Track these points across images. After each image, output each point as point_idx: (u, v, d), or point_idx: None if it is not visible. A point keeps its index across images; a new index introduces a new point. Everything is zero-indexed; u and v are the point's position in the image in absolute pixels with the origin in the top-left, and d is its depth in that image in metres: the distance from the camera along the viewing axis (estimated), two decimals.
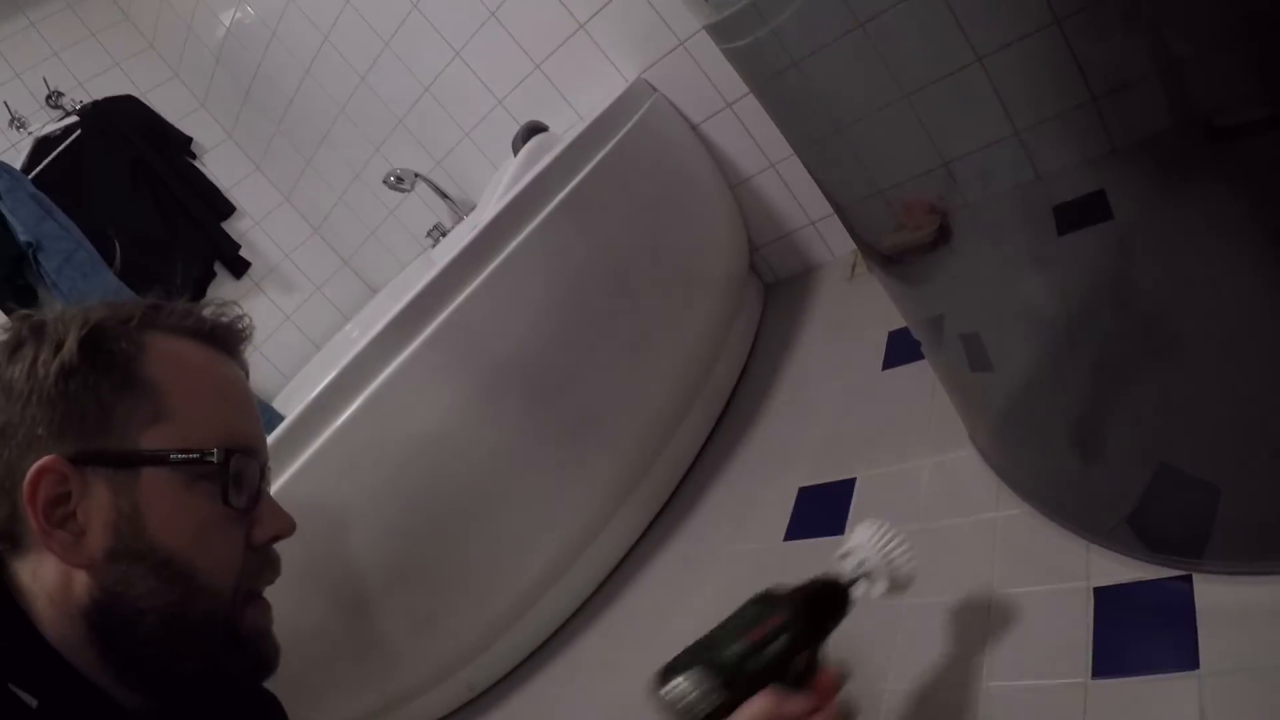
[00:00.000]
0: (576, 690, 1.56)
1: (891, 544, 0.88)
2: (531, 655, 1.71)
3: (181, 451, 0.72)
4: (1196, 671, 0.85)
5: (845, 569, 0.89)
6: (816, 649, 0.83)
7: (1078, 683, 0.92)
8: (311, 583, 1.54)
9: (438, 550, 1.59)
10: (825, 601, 0.86)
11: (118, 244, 3.04)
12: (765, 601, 0.83)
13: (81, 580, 0.68)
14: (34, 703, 0.61)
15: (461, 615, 1.65)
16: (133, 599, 0.69)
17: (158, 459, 0.71)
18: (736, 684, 0.75)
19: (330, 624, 1.57)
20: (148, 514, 0.70)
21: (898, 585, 0.89)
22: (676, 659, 0.80)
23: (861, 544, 0.89)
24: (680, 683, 0.77)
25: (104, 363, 0.72)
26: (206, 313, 0.83)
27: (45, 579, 0.68)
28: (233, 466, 0.75)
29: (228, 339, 0.84)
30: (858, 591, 0.88)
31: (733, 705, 0.75)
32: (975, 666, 1.03)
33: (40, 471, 0.66)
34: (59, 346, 0.70)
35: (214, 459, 0.73)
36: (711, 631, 0.82)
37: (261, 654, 0.80)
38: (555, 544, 1.68)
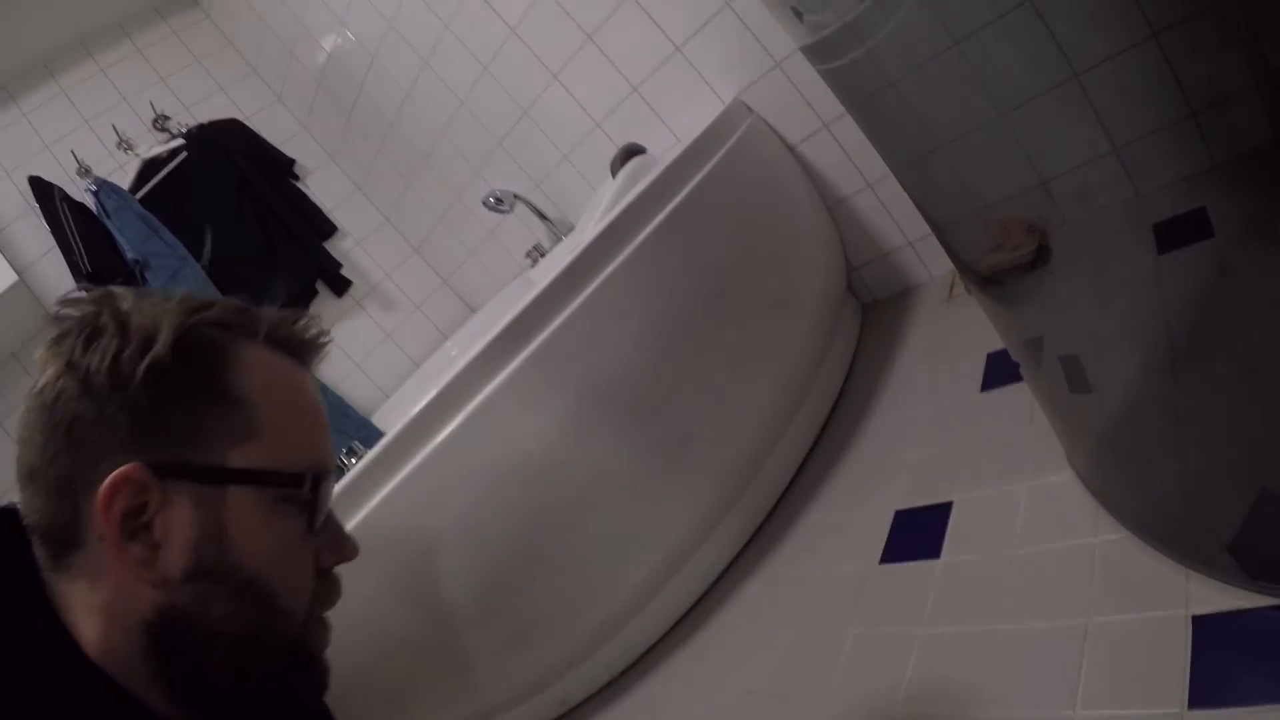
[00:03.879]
0: (668, 708, 1.57)
1: None
2: (625, 671, 1.72)
3: (273, 474, 0.70)
4: None
5: None
6: None
7: (1173, 713, 0.90)
8: (408, 596, 1.58)
9: (534, 566, 1.60)
10: None
11: (209, 236, 3.17)
12: None
13: (149, 596, 0.64)
14: None
15: (557, 630, 1.66)
16: (209, 621, 0.66)
17: (249, 477, 0.68)
18: None
19: (426, 636, 1.60)
20: (232, 533, 0.67)
21: None
22: None
23: None
24: None
25: (197, 369, 0.68)
26: (297, 325, 0.79)
27: (103, 589, 0.64)
28: (320, 491, 0.73)
29: (310, 353, 0.81)
30: None
31: None
32: (1069, 693, 1.01)
33: (120, 480, 0.63)
34: (148, 342, 0.66)
35: (305, 483, 0.71)
36: None
37: (324, 674, 0.77)
38: (650, 562, 1.69)
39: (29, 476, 0.67)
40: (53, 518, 0.66)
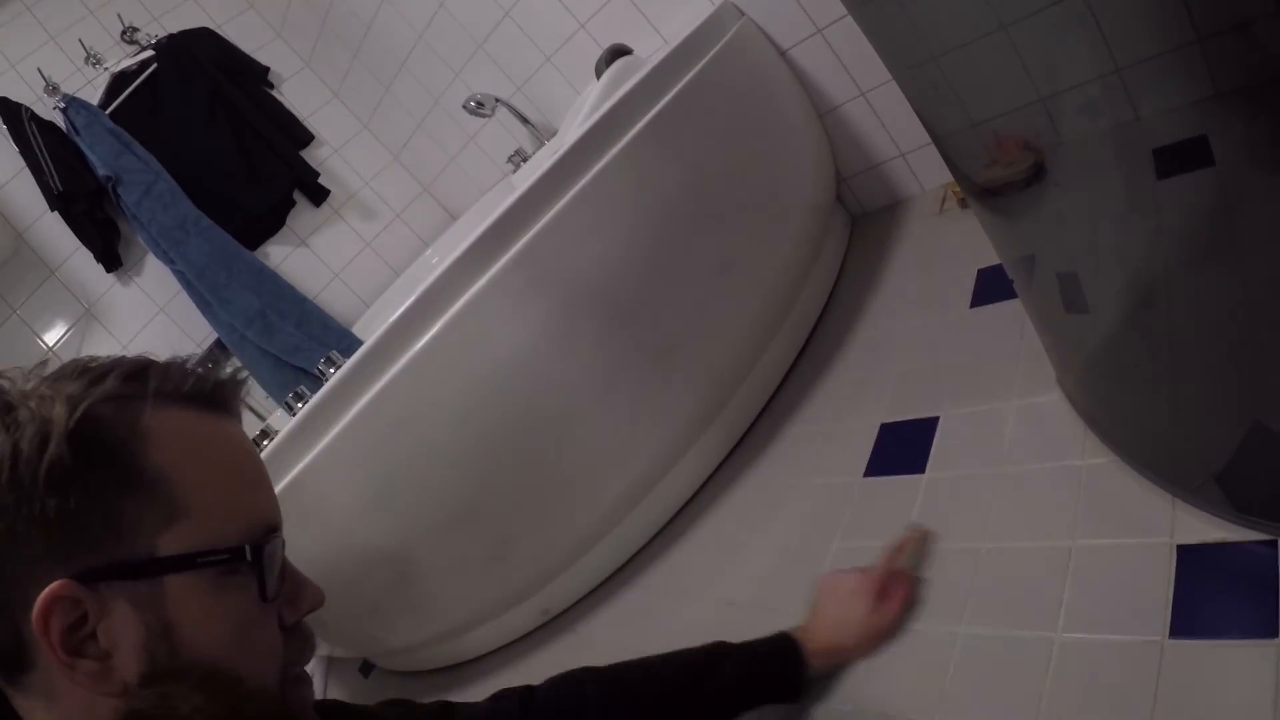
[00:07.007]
0: (649, 617, 1.58)
1: None
2: (606, 580, 1.73)
3: (208, 553, 0.64)
4: (1276, 640, 0.83)
5: None
6: None
7: (1154, 640, 0.90)
8: (388, 507, 1.57)
9: (514, 474, 1.60)
10: None
11: None
12: None
13: (110, 706, 0.61)
14: None
15: (538, 540, 1.67)
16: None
17: (183, 564, 0.63)
18: None
19: (407, 547, 1.60)
20: (180, 626, 0.62)
21: None
22: None
23: None
24: None
25: (102, 458, 0.62)
26: (203, 371, 0.71)
27: (61, 707, 0.61)
28: (265, 556, 0.67)
29: (229, 397, 0.73)
30: None
31: None
32: (1050, 615, 1.01)
33: (49, 601, 0.58)
34: (43, 441, 0.59)
35: (246, 555, 0.66)
36: None
37: None
38: (633, 470, 1.68)
39: None
40: None
